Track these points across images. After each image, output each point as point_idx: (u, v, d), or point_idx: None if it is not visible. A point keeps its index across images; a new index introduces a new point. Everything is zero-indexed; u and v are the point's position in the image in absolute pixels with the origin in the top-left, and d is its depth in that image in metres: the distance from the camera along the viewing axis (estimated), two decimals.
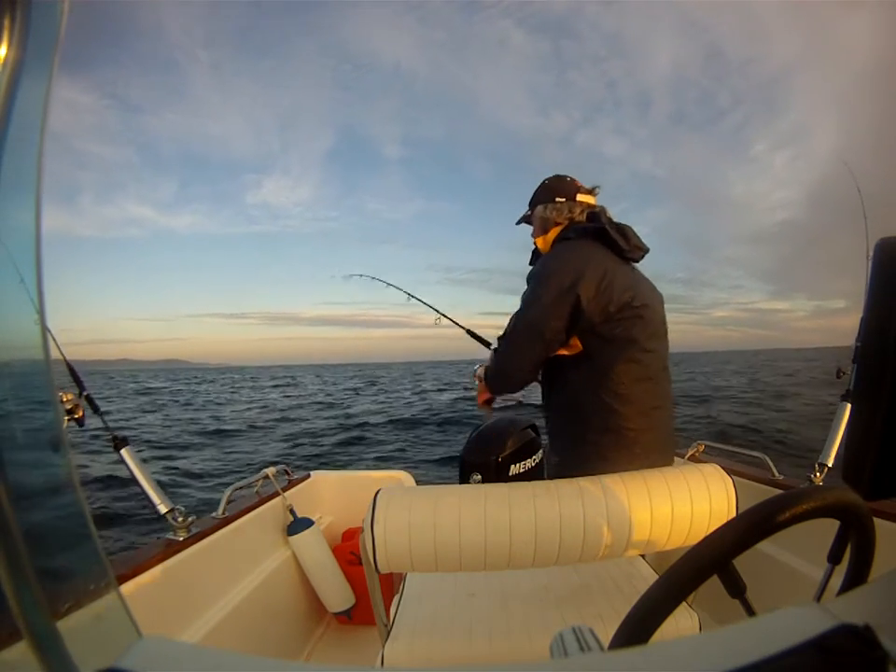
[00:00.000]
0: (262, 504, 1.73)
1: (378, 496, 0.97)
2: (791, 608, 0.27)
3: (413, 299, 1.96)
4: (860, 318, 0.57)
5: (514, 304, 1.28)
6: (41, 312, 0.29)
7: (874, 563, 0.56)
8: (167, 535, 1.36)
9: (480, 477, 1.76)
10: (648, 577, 1.20)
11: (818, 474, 1.49)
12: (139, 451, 1.39)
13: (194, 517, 1.43)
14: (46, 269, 0.28)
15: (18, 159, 0.27)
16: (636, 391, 1.19)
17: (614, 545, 0.96)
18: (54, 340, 1.11)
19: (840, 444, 1.48)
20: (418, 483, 2.15)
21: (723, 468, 1.04)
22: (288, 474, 2.03)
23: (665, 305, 1.32)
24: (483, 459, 1.78)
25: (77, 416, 1.14)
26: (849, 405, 1.49)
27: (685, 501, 0.98)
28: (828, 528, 0.60)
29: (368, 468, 6.38)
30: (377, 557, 0.93)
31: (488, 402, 1.52)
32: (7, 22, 0.25)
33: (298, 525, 1.78)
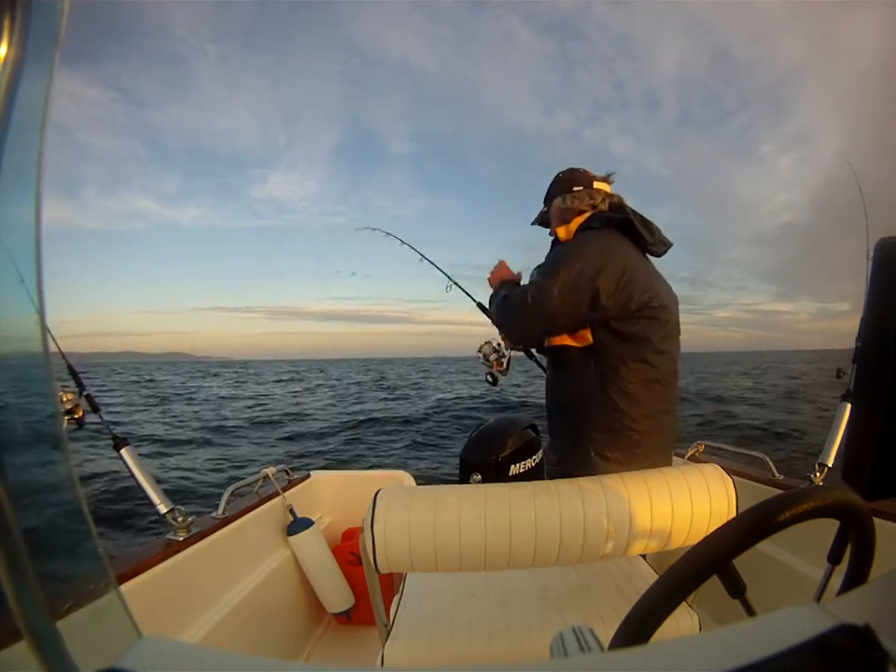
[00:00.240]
0: (262, 504, 1.73)
1: (378, 495, 0.97)
2: (791, 608, 0.27)
3: (426, 261, 1.91)
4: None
5: None
6: (41, 311, 0.29)
7: (874, 563, 0.56)
8: (167, 535, 1.36)
9: (480, 477, 1.76)
10: (648, 577, 1.20)
11: (818, 474, 1.49)
12: (137, 448, 1.39)
13: (194, 517, 1.43)
14: (48, 262, 0.28)
15: (18, 158, 0.27)
16: (644, 392, 1.17)
17: (614, 545, 0.96)
18: (54, 340, 1.11)
19: (840, 444, 1.48)
20: (418, 483, 2.15)
21: (723, 468, 1.04)
22: (288, 474, 2.02)
23: None
24: (483, 459, 1.78)
25: (76, 416, 1.14)
26: (849, 405, 1.49)
27: (685, 501, 0.98)
28: (828, 528, 0.60)
29: (370, 467, 6.37)
30: (377, 557, 0.93)
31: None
32: (7, 22, 0.25)
33: (298, 525, 1.78)
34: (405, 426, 11.03)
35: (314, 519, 1.86)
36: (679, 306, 1.25)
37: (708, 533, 0.55)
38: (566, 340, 1.24)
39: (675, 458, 2.01)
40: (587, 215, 1.29)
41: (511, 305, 1.24)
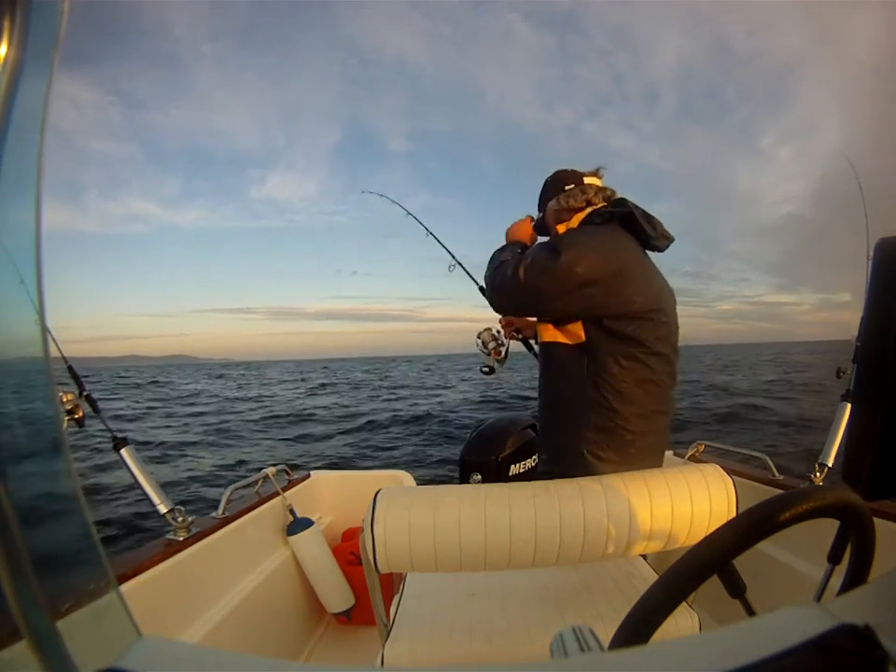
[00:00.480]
0: (262, 504, 1.73)
1: (378, 495, 0.97)
2: (791, 608, 0.27)
3: (431, 236, 1.91)
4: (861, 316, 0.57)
5: None
6: (41, 312, 0.29)
7: (874, 563, 0.56)
8: (167, 535, 1.36)
9: (480, 477, 1.76)
10: (648, 577, 1.20)
11: (818, 474, 1.49)
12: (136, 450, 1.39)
13: (194, 517, 1.43)
14: (48, 266, 0.28)
15: (18, 159, 0.27)
16: (638, 392, 1.15)
17: (614, 545, 0.96)
18: (54, 340, 1.11)
19: (840, 444, 1.48)
20: (418, 483, 2.15)
21: (723, 468, 1.04)
22: (288, 474, 2.03)
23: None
24: (483, 459, 1.78)
25: (77, 417, 1.14)
26: (849, 405, 1.49)
27: (685, 501, 0.98)
28: (828, 528, 0.60)
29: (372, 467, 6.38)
30: (377, 557, 0.93)
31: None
32: (6, 22, 0.25)
33: (298, 524, 1.78)
34: (405, 426, 11.04)
35: (314, 519, 1.86)
36: (682, 300, 1.22)
37: (708, 533, 0.55)
38: (558, 337, 1.22)
39: (675, 458, 2.02)
40: (587, 211, 1.27)
41: (503, 274, 1.20)
